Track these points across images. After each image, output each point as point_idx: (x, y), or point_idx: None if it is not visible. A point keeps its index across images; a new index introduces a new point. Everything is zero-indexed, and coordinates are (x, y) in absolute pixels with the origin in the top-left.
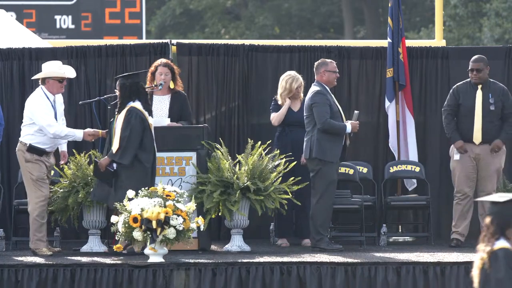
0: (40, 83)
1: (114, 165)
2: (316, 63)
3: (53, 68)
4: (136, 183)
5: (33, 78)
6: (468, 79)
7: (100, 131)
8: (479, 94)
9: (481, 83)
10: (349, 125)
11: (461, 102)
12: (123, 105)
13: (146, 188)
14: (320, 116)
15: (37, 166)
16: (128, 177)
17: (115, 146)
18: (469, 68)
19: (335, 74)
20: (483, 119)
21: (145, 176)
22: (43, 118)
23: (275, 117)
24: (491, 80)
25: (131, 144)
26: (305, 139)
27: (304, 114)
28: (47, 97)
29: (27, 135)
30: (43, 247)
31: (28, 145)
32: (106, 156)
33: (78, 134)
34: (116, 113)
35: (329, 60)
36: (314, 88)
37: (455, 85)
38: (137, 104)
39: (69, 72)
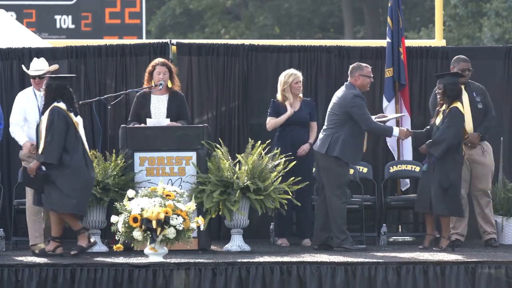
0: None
1: (43, 167)
2: (351, 66)
3: (32, 66)
4: (62, 184)
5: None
6: None
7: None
8: (464, 94)
9: (465, 84)
10: (396, 130)
11: None
12: (47, 106)
13: (79, 187)
14: (366, 118)
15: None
16: (55, 178)
17: (40, 148)
18: (461, 68)
19: (369, 79)
20: (473, 119)
21: (67, 176)
22: (12, 114)
23: (272, 123)
24: (469, 80)
25: (56, 143)
26: (323, 133)
27: (330, 110)
28: (34, 93)
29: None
30: (39, 243)
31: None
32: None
33: (21, 141)
34: (41, 115)
35: (364, 65)
36: (350, 90)
37: (437, 87)
38: (61, 105)
39: (37, 70)
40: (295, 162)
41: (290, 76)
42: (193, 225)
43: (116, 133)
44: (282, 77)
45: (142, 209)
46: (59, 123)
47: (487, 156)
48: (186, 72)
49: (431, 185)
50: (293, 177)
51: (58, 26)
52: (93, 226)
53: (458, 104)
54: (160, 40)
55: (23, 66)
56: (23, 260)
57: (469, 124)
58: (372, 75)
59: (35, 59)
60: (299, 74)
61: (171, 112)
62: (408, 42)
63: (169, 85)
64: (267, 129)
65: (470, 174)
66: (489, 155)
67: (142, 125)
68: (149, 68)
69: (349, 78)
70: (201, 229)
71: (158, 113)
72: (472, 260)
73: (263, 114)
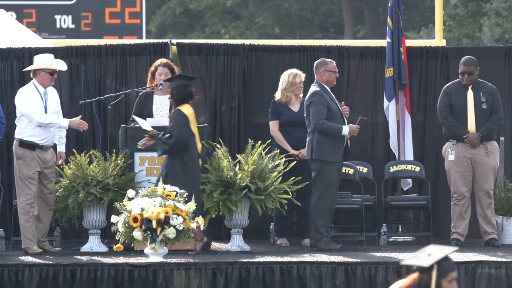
0: (31, 76)
1: None
2: (316, 62)
3: (44, 60)
4: None
5: (24, 70)
6: (457, 79)
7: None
8: (470, 94)
9: (471, 84)
10: (346, 128)
11: (453, 102)
12: None
13: None
14: (314, 116)
15: (28, 165)
16: None
17: None
18: (460, 71)
19: (335, 74)
20: (476, 118)
21: None
22: (28, 106)
23: (277, 137)
24: (480, 80)
25: None
26: (307, 139)
27: (304, 114)
28: (37, 90)
29: (19, 130)
30: (32, 246)
31: (19, 140)
32: None
33: (63, 123)
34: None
35: (329, 60)
36: (312, 88)
37: (445, 86)
38: None
39: (60, 65)
40: (295, 162)
41: (296, 76)
42: (193, 225)
43: (116, 133)
44: (286, 77)
45: (142, 209)
46: None
47: (491, 156)
48: (186, 72)
49: None
50: (293, 177)
51: (58, 26)
52: (93, 226)
53: (183, 107)
54: (160, 40)
55: (57, 63)
56: (23, 260)
57: (471, 124)
58: (337, 70)
59: (46, 55)
60: (303, 75)
61: None
62: (408, 42)
63: None
64: (270, 132)
65: (472, 174)
66: (494, 155)
67: None
68: (152, 68)
69: (315, 76)
70: (201, 229)
71: (161, 113)
72: (472, 260)
73: (263, 114)
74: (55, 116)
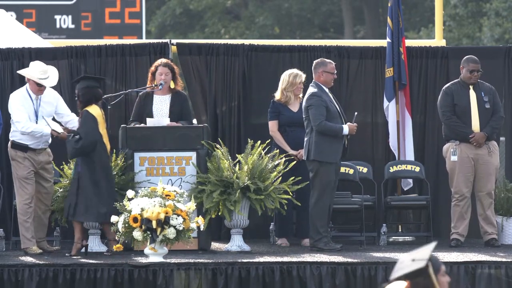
0: (26, 80)
1: None
2: (315, 62)
3: (33, 72)
4: None
5: (18, 72)
6: (457, 80)
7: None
8: (472, 94)
9: (475, 83)
10: (346, 127)
11: (455, 102)
12: None
13: None
14: (315, 118)
15: (21, 165)
16: None
17: None
18: (470, 69)
19: (332, 76)
20: (480, 118)
21: None
22: (13, 114)
23: (276, 138)
24: (479, 80)
25: None
26: (304, 139)
27: (303, 115)
28: (29, 95)
29: (12, 132)
30: (32, 246)
31: (12, 141)
32: None
33: (45, 130)
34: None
35: (328, 61)
36: (310, 89)
37: (446, 86)
38: None
39: (50, 79)
40: (295, 162)
41: (296, 76)
42: (193, 225)
43: (116, 133)
44: (286, 77)
45: (142, 209)
46: None
47: (493, 156)
48: (186, 72)
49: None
50: (293, 177)
51: (58, 26)
52: (93, 226)
53: (90, 108)
54: (160, 40)
55: (38, 79)
56: (23, 260)
57: (475, 124)
58: (335, 71)
59: (38, 65)
60: (304, 75)
61: (174, 112)
62: (408, 42)
63: (172, 85)
64: (269, 132)
65: (474, 174)
66: (495, 155)
67: (142, 125)
68: (152, 68)
69: (313, 76)
70: (201, 229)
71: (161, 114)
72: (472, 260)
73: (263, 114)
74: (37, 125)
